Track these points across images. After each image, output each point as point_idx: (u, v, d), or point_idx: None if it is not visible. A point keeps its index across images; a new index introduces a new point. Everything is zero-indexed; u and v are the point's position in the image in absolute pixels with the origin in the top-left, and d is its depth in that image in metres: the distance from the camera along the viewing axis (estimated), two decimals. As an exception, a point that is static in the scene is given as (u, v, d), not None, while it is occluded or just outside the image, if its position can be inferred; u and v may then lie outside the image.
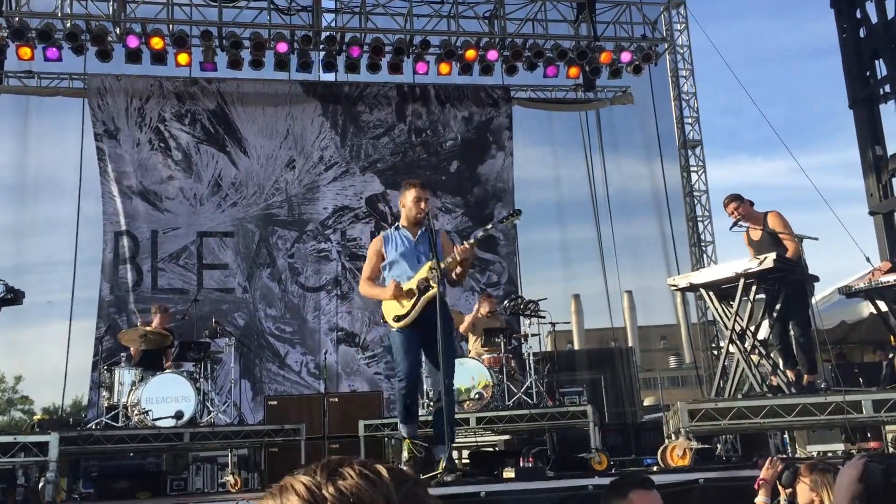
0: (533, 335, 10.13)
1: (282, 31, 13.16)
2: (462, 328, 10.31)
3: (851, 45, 13.11)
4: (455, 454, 10.54)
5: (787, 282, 7.34)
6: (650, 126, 15.46)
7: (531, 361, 9.64)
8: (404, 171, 14.25)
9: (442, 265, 5.44)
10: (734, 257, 7.61)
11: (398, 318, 5.54)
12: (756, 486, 4.31)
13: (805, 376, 7.56)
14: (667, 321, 18.50)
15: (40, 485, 6.47)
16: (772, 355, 7.85)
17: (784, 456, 4.60)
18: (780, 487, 4.27)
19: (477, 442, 10.43)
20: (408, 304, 5.51)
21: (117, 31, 12.67)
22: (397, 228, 6.00)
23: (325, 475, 0.90)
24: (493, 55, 13.75)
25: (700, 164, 15.55)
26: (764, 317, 7.81)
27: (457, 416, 8.34)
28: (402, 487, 0.90)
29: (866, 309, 11.55)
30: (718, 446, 9.49)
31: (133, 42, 12.53)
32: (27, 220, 13.80)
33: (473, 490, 4.66)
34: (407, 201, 5.90)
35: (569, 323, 12.99)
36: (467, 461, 9.89)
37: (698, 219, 15.27)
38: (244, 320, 13.14)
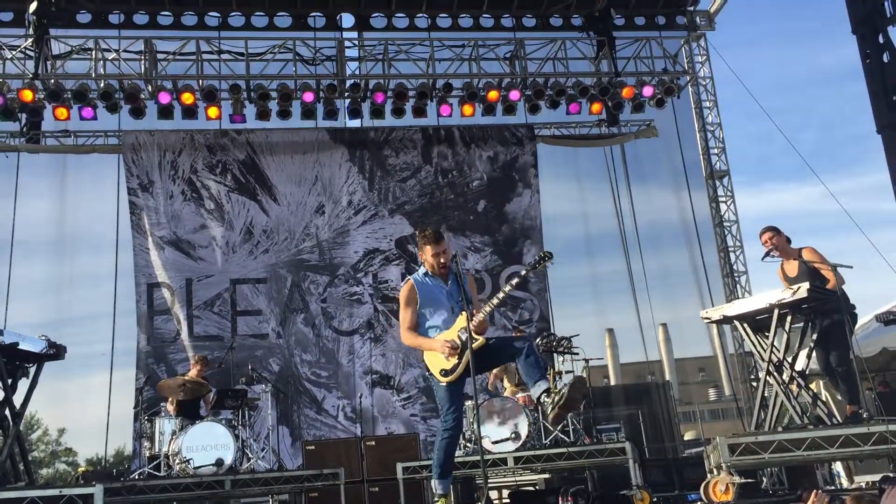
0: (567, 372, 10.08)
1: (307, 80, 13.46)
2: (495, 372, 10.31)
3: (876, 70, 13.05)
4: (494, 494, 10.47)
5: (822, 311, 7.28)
6: (676, 157, 15.47)
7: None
8: (432, 212, 14.40)
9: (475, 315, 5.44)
10: (768, 286, 7.59)
11: (445, 373, 5.51)
12: None
13: (847, 407, 7.44)
14: (704, 353, 18.27)
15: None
16: (811, 386, 7.75)
17: (830, 488, 4.54)
18: None
19: (517, 482, 10.37)
20: (453, 359, 5.46)
21: (149, 88, 13.06)
22: (426, 274, 5.76)
23: None
24: (515, 95, 13.91)
25: (728, 194, 15.50)
26: (801, 347, 7.73)
27: (494, 457, 8.33)
28: None
29: (908, 334, 11.38)
30: (764, 479, 9.32)
31: (165, 98, 12.91)
32: (66, 274, 14.10)
33: (514, 532, 4.64)
34: (426, 256, 5.69)
35: (602, 358, 12.91)
36: (507, 501, 9.82)
37: (730, 249, 15.18)
38: (279, 366, 13.25)
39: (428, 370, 5.69)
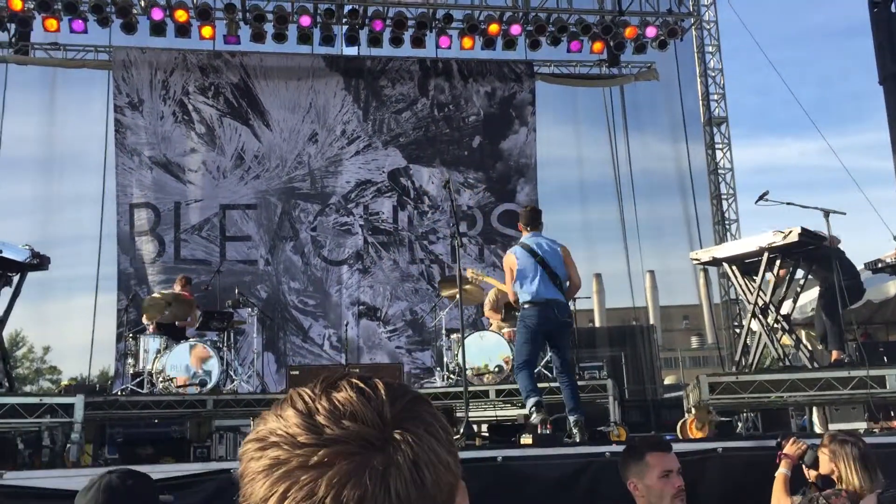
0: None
1: (305, 4, 13.14)
2: (487, 311, 10.32)
3: (883, 20, 12.83)
4: (475, 427, 10.59)
5: (813, 257, 7.27)
6: (675, 104, 15.29)
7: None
8: (426, 146, 14.27)
9: None
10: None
11: None
12: (777, 460, 4.31)
13: (833, 353, 7.48)
14: (689, 301, 18.39)
15: (66, 448, 6.58)
16: (795, 330, 7.79)
17: (807, 437, 4.59)
18: (803, 468, 4.26)
19: (497, 417, 10.47)
20: None
21: (142, 3, 12.73)
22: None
23: (322, 388, 0.87)
24: (516, 29, 13.64)
25: (725, 141, 15.39)
26: (788, 294, 7.74)
27: (476, 388, 8.39)
28: (397, 402, 0.86)
29: (893, 288, 11.43)
30: (739, 425, 9.44)
31: (158, 14, 12.59)
32: (54, 193, 13.96)
33: (490, 455, 4.68)
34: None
35: (589, 298, 12.95)
36: (486, 434, 9.94)
37: (723, 197, 15.14)
38: (267, 293, 13.25)
39: None
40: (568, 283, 6.60)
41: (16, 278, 6.84)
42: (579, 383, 8.54)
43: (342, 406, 0.84)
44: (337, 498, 0.78)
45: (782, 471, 4.27)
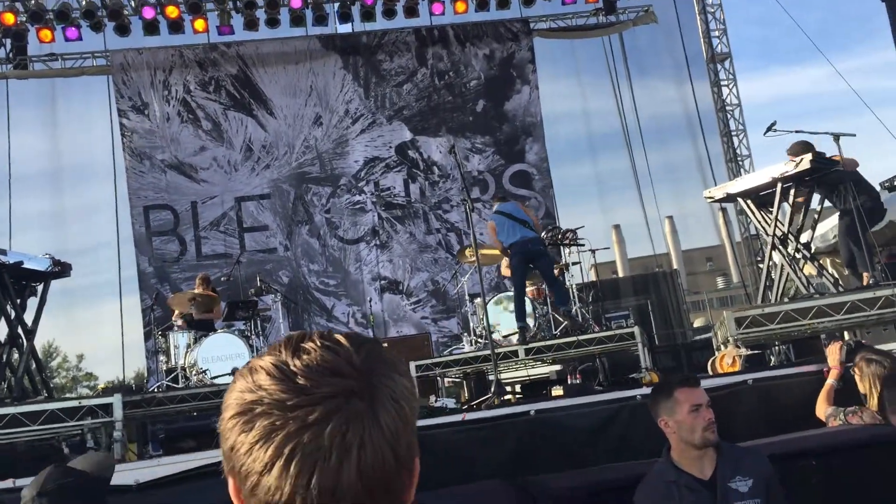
0: (574, 264, 10.11)
1: (294, -15, 13.07)
2: (505, 271, 10.36)
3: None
4: (507, 388, 10.68)
5: (826, 182, 7.19)
6: (677, 45, 15.09)
7: (574, 291, 9.65)
8: (431, 116, 14.22)
9: None
10: (774, 167, 7.39)
11: None
12: (825, 374, 4.36)
13: (864, 274, 7.41)
14: (711, 243, 18.29)
15: (110, 447, 6.71)
16: (818, 258, 7.74)
17: (851, 341, 4.64)
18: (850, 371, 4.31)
19: (528, 375, 10.53)
20: None
21: (132, 3, 12.73)
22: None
23: (289, 352, 0.91)
24: (509, -13, 13.49)
25: (731, 77, 15.18)
26: (805, 224, 7.68)
27: (505, 349, 8.44)
28: (361, 350, 0.92)
29: (914, 206, 11.28)
30: (772, 357, 9.42)
31: (149, 13, 12.60)
32: (67, 204, 14.11)
33: (523, 409, 4.72)
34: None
35: (609, 249, 12.92)
36: (520, 394, 10.01)
37: (732, 133, 14.97)
38: (288, 277, 13.37)
39: None
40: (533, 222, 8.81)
41: (40, 288, 6.94)
42: (607, 333, 8.62)
43: (318, 364, 0.89)
44: (342, 444, 0.85)
45: (829, 381, 4.32)
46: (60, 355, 34.30)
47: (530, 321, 8.93)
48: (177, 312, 9.82)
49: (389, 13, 13.47)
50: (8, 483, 4.35)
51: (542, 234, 9.81)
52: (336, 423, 0.85)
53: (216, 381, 8.67)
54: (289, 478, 0.84)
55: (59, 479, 2.69)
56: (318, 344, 0.92)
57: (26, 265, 6.62)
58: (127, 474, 4.94)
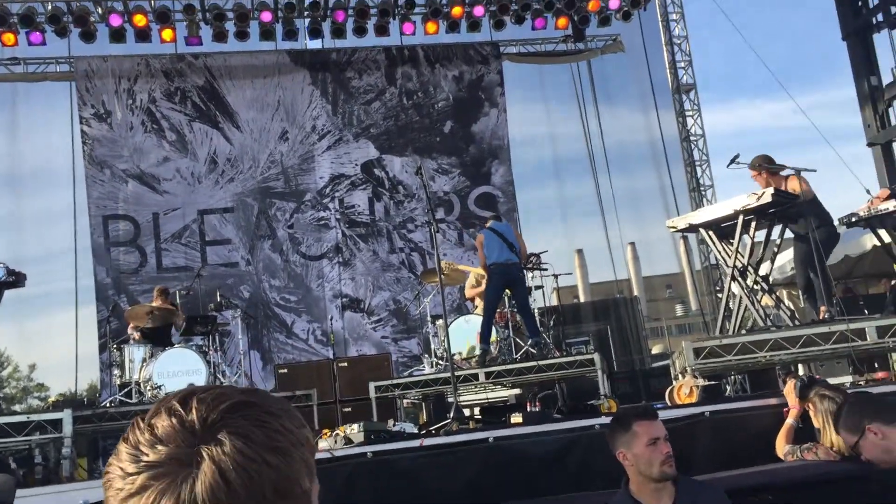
0: (537, 288, 10.15)
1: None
2: (469, 292, 10.36)
3: (842, -24, 12.94)
4: (466, 411, 10.65)
5: (787, 216, 7.32)
6: (643, 75, 15.32)
7: (536, 314, 9.68)
8: (398, 135, 14.24)
9: None
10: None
11: None
12: (785, 413, 4.41)
13: (821, 308, 7.52)
14: (671, 270, 18.52)
15: (59, 464, 6.55)
16: (775, 290, 7.86)
17: (804, 376, 4.70)
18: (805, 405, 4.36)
19: (488, 399, 10.51)
20: None
21: (99, 10, 12.57)
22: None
23: (146, 421, 0.95)
24: (479, 10, 13.59)
25: (695, 108, 15.44)
26: (765, 256, 7.80)
27: (466, 373, 8.43)
28: (210, 416, 0.93)
29: (869, 242, 11.53)
30: (728, 387, 9.53)
31: (116, 21, 12.44)
32: (24, 210, 13.81)
33: (482, 436, 4.70)
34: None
35: (571, 274, 13.02)
36: (479, 416, 9.97)
37: (696, 163, 15.21)
38: (249, 292, 13.22)
39: None
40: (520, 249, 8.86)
41: (-8, 297, 6.76)
42: (567, 359, 8.65)
43: (159, 433, 0.92)
44: None
45: (789, 421, 4.38)
46: (11, 365, 33.46)
47: (494, 346, 8.95)
48: (132, 325, 9.65)
49: (360, 31, 13.47)
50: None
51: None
52: (154, 490, 0.88)
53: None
54: None
55: None
56: (169, 411, 0.94)
57: (-22, 274, 6.44)
58: (75, 495, 4.80)
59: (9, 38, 12.28)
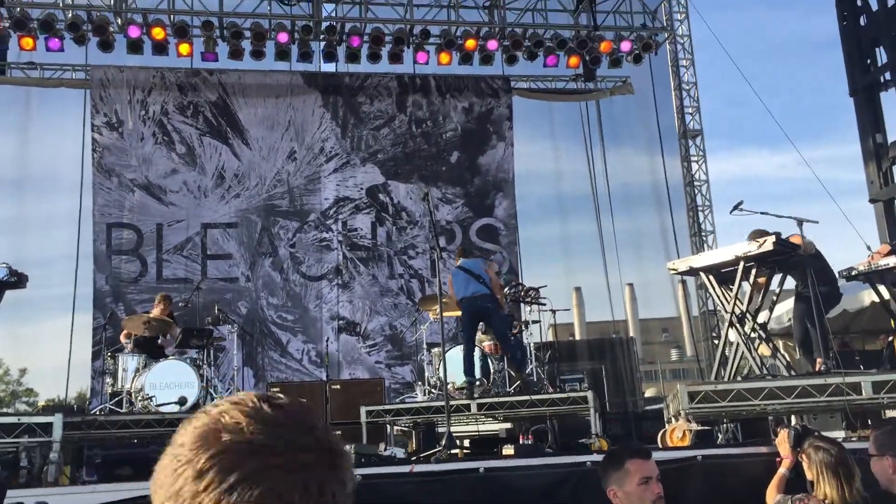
0: (534, 322, 10.16)
1: (282, 20, 13.21)
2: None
3: (852, 33, 13.10)
4: (457, 442, 10.59)
5: (788, 265, 7.36)
6: (651, 117, 15.47)
7: (532, 349, 9.67)
8: (405, 162, 14.33)
9: None
10: (736, 248, 7.54)
11: None
12: (778, 461, 4.41)
13: (817, 360, 7.53)
14: (668, 314, 18.53)
15: (44, 468, 6.50)
16: (772, 340, 7.87)
17: (797, 426, 4.70)
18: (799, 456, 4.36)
19: (479, 431, 10.47)
20: None
21: (118, 21, 12.72)
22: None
23: (263, 402, 0.95)
24: (492, 45, 13.77)
25: (701, 153, 15.57)
26: (764, 305, 7.82)
27: (457, 403, 8.40)
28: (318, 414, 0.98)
29: (867, 297, 11.55)
30: (719, 435, 9.48)
31: (134, 32, 12.58)
32: (28, 214, 13.86)
33: (472, 466, 4.69)
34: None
35: (569, 310, 13.02)
36: (468, 449, 9.92)
37: (699, 209, 15.29)
38: (247, 308, 13.22)
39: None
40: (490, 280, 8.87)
41: (-8, 297, 6.77)
42: (560, 395, 8.62)
43: (294, 417, 0.97)
44: (319, 494, 0.93)
45: (782, 470, 4.37)
46: (2, 367, 33.36)
47: (485, 377, 8.92)
48: (125, 333, 9.61)
49: (374, 57, 13.62)
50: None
51: (505, 291, 9.87)
52: (315, 473, 0.88)
53: (161, 408, 8.47)
54: None
55: None
56: (287, 400, 0.96)
57: (-20, 272, 6.46)
58: (59, 499, 4.79)
59: (27, 42, 12.41)
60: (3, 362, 32.53)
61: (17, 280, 6.73)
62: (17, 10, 12.22)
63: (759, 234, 7.71)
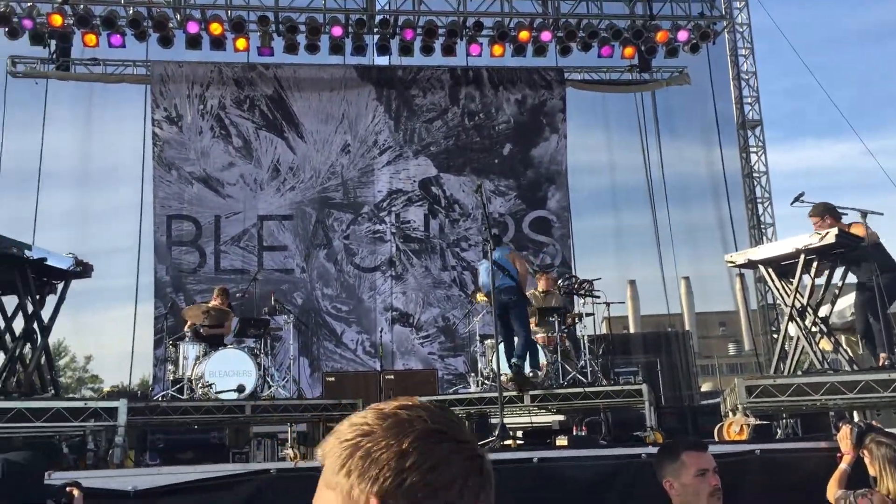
0: (587, 314, 10.09)
1: (336, 14, 13.33)
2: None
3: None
4: (510, 433, 10.60)
5: (850, 259, 7.16)
6: (708, 108, 15.19)
7: (585, 342, 9.61)
8: (457, 155, 14.35)
9: None
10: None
11: None
12: (838, 458, 4.32)
13: (881, 355, 7.34)
14: (726, 308, 18.17)
15: (109, 451, 6.71)
16: (834, 334, 7.67)
17: (861, 423, 4.59)
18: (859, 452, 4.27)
19: (532, 423, 10.46)
20: None
21: (178, 17, 12.99)
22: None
23: (437, 406, 1.14)
24: (546, 36, 13.67)
25: (760, 144, 15.23)
26: (825, 299, 7.63)
27: (511, 394, 8.40)
28: None
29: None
30: (778, 430, 9.30)
31: (193, 28, 12.85)
32: (92, 206, 14.27)
33: (526, 456, 4.70)
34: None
35: (623, 303, 12.87)
36: (521, 440, 9.92)
37: (758, 201, 14.98)
38: (302, 299, 13.43)
39: None
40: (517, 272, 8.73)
41: (60, 286, 6.99)
42: (614, 388, 8.56)
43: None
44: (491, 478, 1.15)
45: (842, 466, 4.29)
46: (69, 355, 34.45)
47: (541, 369, 8.89)
48: (188, 323, 9.87)
49: (427, 50, 13.66)
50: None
51: (559, 283, 9.82)
52: (488, 461, 1.10)
53: (220, 395, 8.67)
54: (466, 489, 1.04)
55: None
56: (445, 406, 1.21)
57: (49, 262, 6.67)
58: (125, 480, 4.94)
59: (91, 38, 12.77)
60: (70, 350, 33.60)
61: (82, 270, 6.93)
62: (81, 7, 12.58)
63: (824, 208, 7.52)
